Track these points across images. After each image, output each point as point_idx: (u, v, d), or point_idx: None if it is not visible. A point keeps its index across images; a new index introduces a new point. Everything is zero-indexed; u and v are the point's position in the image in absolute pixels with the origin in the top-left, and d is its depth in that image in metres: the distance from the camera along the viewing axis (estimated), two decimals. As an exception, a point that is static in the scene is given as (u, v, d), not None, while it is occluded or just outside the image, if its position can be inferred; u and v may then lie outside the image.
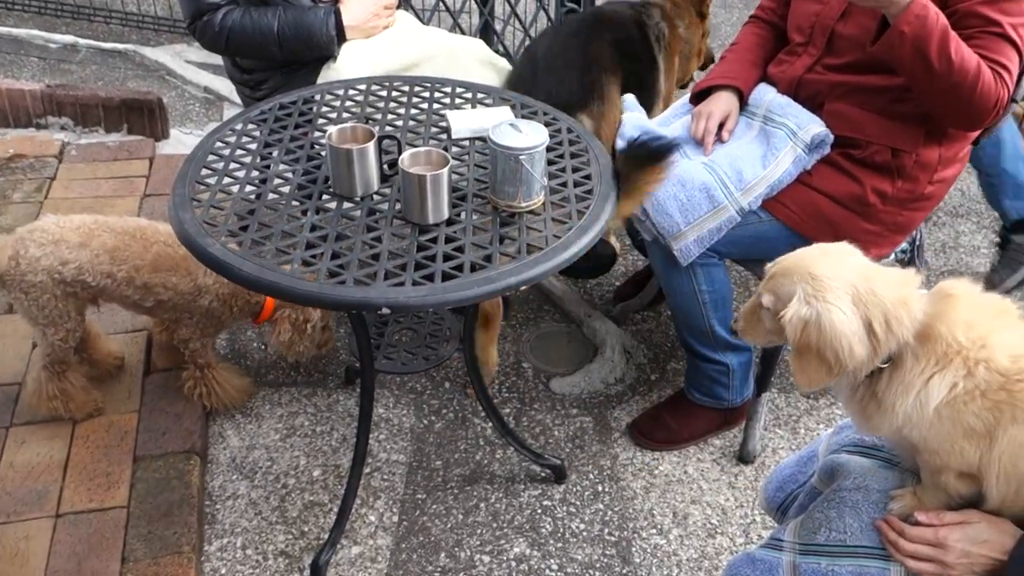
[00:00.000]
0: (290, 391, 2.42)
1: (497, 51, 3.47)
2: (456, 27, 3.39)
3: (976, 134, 2.04)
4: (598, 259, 2.65)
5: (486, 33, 3.60)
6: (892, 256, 2.25)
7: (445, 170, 1.56)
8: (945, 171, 2.01)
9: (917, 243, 2.30)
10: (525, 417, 2.38)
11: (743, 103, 2.10)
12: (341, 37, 2.20)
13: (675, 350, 2.62)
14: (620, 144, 2.02)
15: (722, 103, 2.07)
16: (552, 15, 3.50)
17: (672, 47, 2.66)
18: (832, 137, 1.95)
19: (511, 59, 3.53)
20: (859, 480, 1.35)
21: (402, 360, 2.06)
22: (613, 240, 2.77)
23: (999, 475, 1.19)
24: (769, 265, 1.34)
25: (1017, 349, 1.20)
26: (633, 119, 2.13)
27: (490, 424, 2.23)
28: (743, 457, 2.28)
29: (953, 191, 3.40)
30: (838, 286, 1.25)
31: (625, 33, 2.53)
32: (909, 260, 2.33)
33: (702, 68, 2.89)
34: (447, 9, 3.35)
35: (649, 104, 2.58)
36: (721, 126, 2.05)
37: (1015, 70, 1.79)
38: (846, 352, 1.22)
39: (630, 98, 2.20)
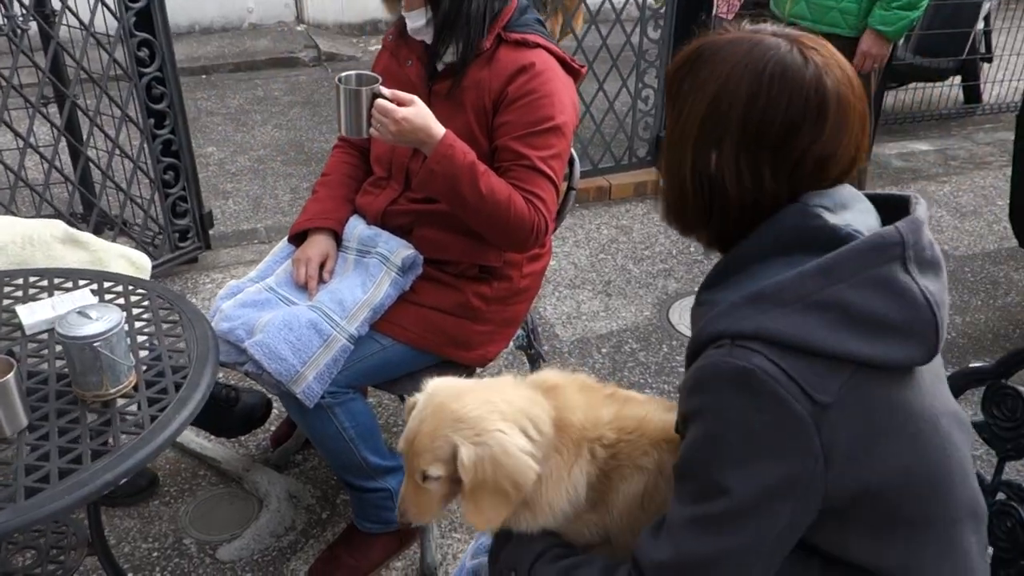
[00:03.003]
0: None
1: (99, 222, 3.31)
2: (50, 205, 3.18)
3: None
4: (250, 412, 2.56)
5: (85, 201, 3.45)
6: (512, 345, 2.42)
7: (10, 376, 1.43)
8: (534, 265, 2.21)
9: (531, 327, 2.51)
10: (193, 600, 2.21)
11: (339, 241, 2.18)
12: None
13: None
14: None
15: (319, 246, 2.14)
16: (155, 176, 3.42)
17: None
18: (422, 258, 2.07)
19: (110, 222, 3.39)
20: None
21: (21, 587, 1.82)
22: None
23: (621, 531, 1.29)
24: (400, 447, 1.30)
25: (614, 419, 1.28)
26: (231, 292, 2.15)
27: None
28: (425, 571, 2.28)
29: (567, 265, 3.77)
30: (486, 413, 1.23)
31: None
32: (528, 344, 2.53)
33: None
34: (27, 185, 3.13)
35: None
36: (321, 267, 2.12)
37: (550, 198, 1.96)
38: (524, 476, 1.20)
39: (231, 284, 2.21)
